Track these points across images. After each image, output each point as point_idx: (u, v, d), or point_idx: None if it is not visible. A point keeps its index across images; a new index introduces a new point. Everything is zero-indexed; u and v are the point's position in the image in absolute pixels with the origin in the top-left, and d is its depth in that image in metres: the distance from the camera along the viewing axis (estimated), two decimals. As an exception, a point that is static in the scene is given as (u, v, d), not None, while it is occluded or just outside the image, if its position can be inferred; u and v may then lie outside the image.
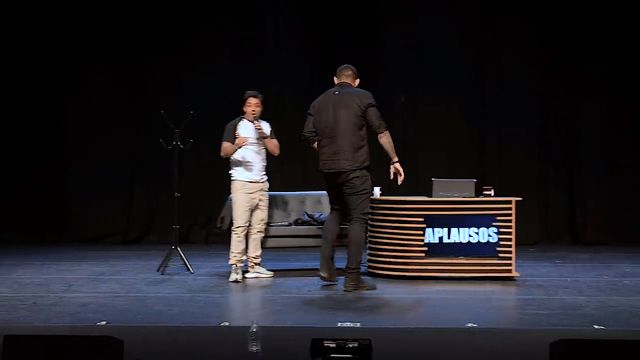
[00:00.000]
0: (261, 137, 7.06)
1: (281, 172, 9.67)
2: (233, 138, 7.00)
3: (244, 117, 7.11)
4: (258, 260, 7.19)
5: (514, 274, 6.96)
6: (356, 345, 4.04)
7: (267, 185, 7.18)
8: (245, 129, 7.06)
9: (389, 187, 8.38)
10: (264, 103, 7.14)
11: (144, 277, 7.16)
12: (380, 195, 7.24)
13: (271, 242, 7.31)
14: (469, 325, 5.11)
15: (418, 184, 9.40)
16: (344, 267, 6.55)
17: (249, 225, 7.06)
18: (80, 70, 9.91)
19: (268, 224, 7.39)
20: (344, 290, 6.41)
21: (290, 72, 9.77)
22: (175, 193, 7.55)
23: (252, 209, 7.07)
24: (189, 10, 9.81)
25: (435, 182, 7.14)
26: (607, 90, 9.77)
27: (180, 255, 7.39)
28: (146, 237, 9.87)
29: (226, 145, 7.03)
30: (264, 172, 7.16)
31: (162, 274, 7.26)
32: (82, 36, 9.86)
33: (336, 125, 6.45)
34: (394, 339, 4.85)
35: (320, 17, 9.85)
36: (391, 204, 7.15)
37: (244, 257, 7.08)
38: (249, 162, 7.03)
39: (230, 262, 7.02)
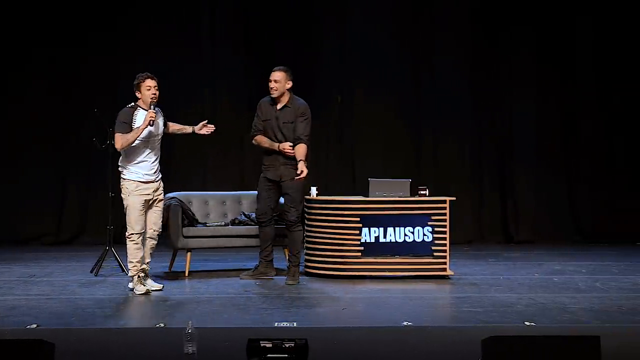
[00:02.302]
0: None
1: (217, 172, 9.62)
2: (129, 128, 6.19)
3: (138, 105, 6.29)
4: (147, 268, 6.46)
5: (449, 272, 7.07)
6: (292, 345, 4.05)
7: (161, 184, 6.44)
8: (143, 117, 6.21)
9: (326, 187, 8.43)
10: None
11: (77, 279, 7.03)
12: (317, 195, 7.27)
13: (208, 242, 7.25)
14: (405, 323, 5.18)
15: (355, 184, 9.49)
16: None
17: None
18: (10, 69, 9.63)
19: (205, 224, 7.34)
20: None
21: (226, 71, 9.71)
22: (109, 193, 7.44)
23: (147, 212, 6.35)
24: (123, 9, 9.65)
25: (372, 182, 7.20)
26: (538, 87, 9.92)
27: (115, 256, 7.28)
28: (79, 237, 9.66)
29: (119, 135, 6.16)
30: (159, 170, 6.42)
31: (96, 276, 7.14)
32: (15, 34, 9.58)
33: None
34: (331, 338, 4.88)
35: (255, 15, 9.80)
36: (328, 204, 7.17)
37: (145, 266, 6.38)
38: (142, 159, 6.27)
39: (131, 273, 6.31)
